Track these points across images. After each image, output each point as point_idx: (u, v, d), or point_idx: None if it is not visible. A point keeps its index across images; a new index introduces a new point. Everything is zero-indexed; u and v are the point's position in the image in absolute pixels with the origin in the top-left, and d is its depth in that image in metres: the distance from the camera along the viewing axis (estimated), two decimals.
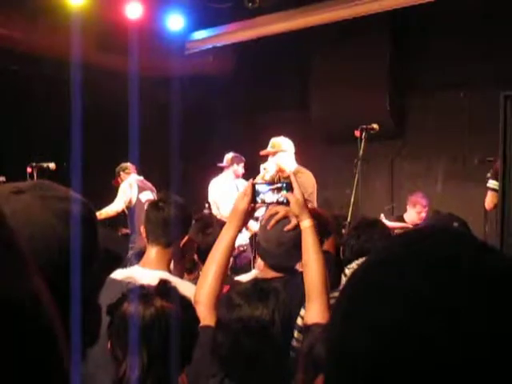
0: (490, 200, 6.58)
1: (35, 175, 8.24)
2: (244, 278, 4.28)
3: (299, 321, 3.01)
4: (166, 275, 3.38)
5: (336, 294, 2.86)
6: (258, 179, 7.15)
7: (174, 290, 2.32)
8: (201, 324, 2.47)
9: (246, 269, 6.34)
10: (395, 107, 9.73)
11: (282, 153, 6.94)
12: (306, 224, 2.92)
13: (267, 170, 6.96)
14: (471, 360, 0.70)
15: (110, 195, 8.78)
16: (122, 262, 3.78)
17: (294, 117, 10.21)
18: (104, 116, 9.64)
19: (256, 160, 7.35)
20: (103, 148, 9.45)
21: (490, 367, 0.70)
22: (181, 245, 3.50)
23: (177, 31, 10.35)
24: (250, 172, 7.78)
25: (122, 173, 9.10)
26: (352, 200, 6.66)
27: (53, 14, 8.70)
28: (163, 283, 2.34)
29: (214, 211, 8.38)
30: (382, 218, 8.17)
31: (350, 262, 3.69)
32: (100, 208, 8.17)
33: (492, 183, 6.44)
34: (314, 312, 2.75)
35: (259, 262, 3.80)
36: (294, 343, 2.76)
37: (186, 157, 9.75)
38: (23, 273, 0.68)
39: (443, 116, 9.35)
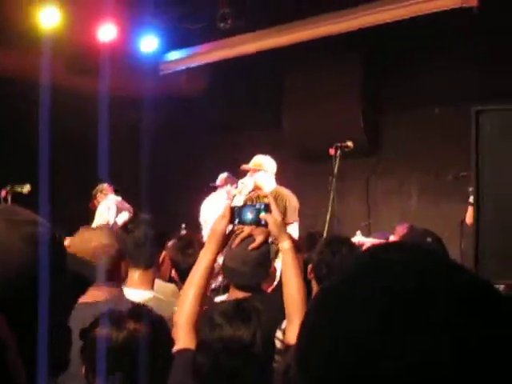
0: (470, 215, 6.61)
1: (9, 199, 8.16)
2: (223, 299, 4.28)
3: (277, 342, 2.99)
4: (149, 294, 3.39)
5: None
6: (236, 193, 7.17)
7: (148, 312, 2.30)
8: (181, 347, 2.44)
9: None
10: (369, 124, 9.78)
11: (262, 172, 6.96)
12: (286, 246, 2.87)
13: (245, 184, 6.98)
14: (442, 374, 0.70)
15: (85, 216, 8.71)
16: (89, 285, 3.74)
17: (268, 135, 10.23)
18: (74, 137, 9.60)
19: None
20: (74, 170, 9.41)
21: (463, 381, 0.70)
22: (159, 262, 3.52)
23: (150, 52, 10.37)
24: None
25: (99, 194, 9.03)
26: (328, 217, 6.67)
27: (25, 36, 8.68)
28: (136, 306, 2.32)
29: (205, 231, 8.37)
30: (359, 234, 8.18)
31: (326, 278, 3.67)
32: (72, 232, 8.10)
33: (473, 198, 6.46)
34: (294, 332, 2.73)
35: None
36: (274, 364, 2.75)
37: (159, 176, 9.73)
38: None
39: (417, 132, 9.41)
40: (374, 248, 0.90)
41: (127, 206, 8.90)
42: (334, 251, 3.71)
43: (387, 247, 0.88)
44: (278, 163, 7.19)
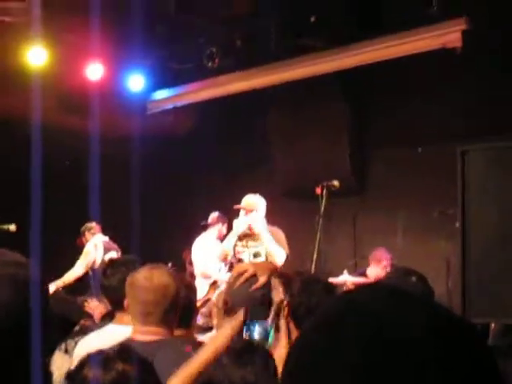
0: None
1: None
2: (206, 337, 4.26)
3: None
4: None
5: None
6: (230, 235, 7.19)
7: (135, 352, 2.29)
8: None
9: None
10: (355, 163, 9.83)
11: (254, 213, 7.00)
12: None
13: (237, 224, 7.00)
14: None
15: (73, 254, 8.69)
16: (74, 328, 3.77)
17: (255, 174, 10.26)
18: (65, 176, 9.60)
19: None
20: (64, 208, 9.38)
21: None
22: None
23: (137, 91, 10.43)
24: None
25: (86, 232, 9.00)
26: (315, 256, 6.68)
27: (13, 75, 8.71)
28: (124, 346, 2.31)
29: (196, 271, 8.37)
30: (345, 273, 8.19)
31: (304, 319, 3.61)
32: (60, 270, 8.08)
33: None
34: None
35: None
36: None
37: (148, 215, 9.70)
38: None
39: (402, 169, 9.46)
40: (350, 295, 0.91)
41: (114, 246, 8.88)
42: (311, 293, 3.67)
43: (364, 293, 0.89)
44: (266, 201, 7.22)
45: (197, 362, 2.64)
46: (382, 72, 8.95)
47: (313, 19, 8.17)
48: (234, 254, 7.14)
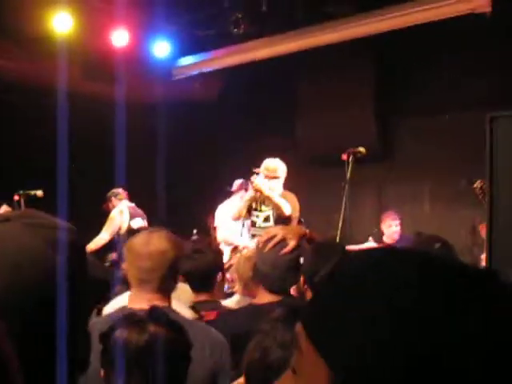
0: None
1: (22, 203, 8.19)
2: (229, 302, 4.29)
3: None
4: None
5: None
6: (246, 198, 7.21)
7: (165, 314, 2.31)
8: None
9: None
10: (382, 130, 9.77)
11: (275, 180, 6.99)
12: None
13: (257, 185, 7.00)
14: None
15: (99, 221, 8.74)
16: (109, 289, 3.78)
17: (280, 141, 10.22)
18: (91, 143, 9.62)
19: None
20: (90, 175, 9.43)
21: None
22: None
23: (163, 58, 10.40)
24: None
25: (113, 198, 9.02)
26: (340, 224, 6.66)
27: (39, 42, 8.72)
28: (154, 308, 2.33)
29: (219, 235, 8.42)
30: (371, 240, 8.22)
31: None
32: (86, 235, 8.12)
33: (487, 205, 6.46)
34: None
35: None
36: None
37: (173, 181, 9.74)
38: None
39: (429, 138, 9.39)
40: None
41: (140, 212, 8.91)
42: (326, 258, 3.64)
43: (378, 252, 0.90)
44: (290, 169, 7.20)
45: None
46: (409, 38, 8.84)
47: None
48: (250, 212, 7.18)
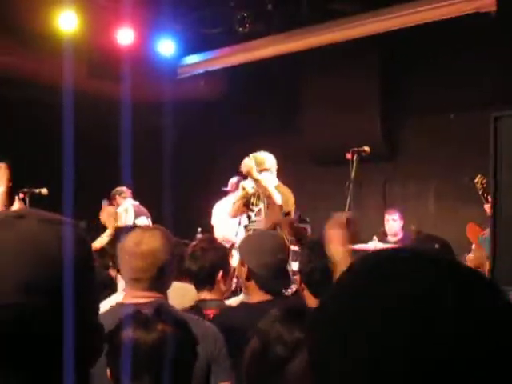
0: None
1: (27, 201, 8.19)
2: (233, 301, 4.28)
3: None
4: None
5: None
6: (237, 198, 7.20)
7: (170, 312, 2.32)
8: None
9: None
10: (387, 129, 9.76)
11: (266, 172, 6.95)
12: None
13: (246, 188, 7.00)
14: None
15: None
16: (111, 287, 3.80)
17: (285, 140, 10.22)
18: (95, 140, 9.64)
19: None
20: (95, 173, 9.44)
21: None
22: None
23: (168, 56, 10.41)
24: None
25: (117, 196, 9.02)
26: None
27: (44, 40, 8.73)
28: (160, 306, 2.33)
29: (216, 234, 8.41)
30: (375, 239, 8.21)
31: (320, 285, 3.54)
32: (90, 234, 8.13)
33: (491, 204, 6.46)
34: None
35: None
36: None
37: (178, 180, 9.74)
38: None
39: (434, 137, 9.38)
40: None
41: (145, 210, 8.91)
42: (320, 256, 3.61)
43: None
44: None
45: None
46: (414, 37, 8.84)
47: None
48: (248, 207, 7.18)
